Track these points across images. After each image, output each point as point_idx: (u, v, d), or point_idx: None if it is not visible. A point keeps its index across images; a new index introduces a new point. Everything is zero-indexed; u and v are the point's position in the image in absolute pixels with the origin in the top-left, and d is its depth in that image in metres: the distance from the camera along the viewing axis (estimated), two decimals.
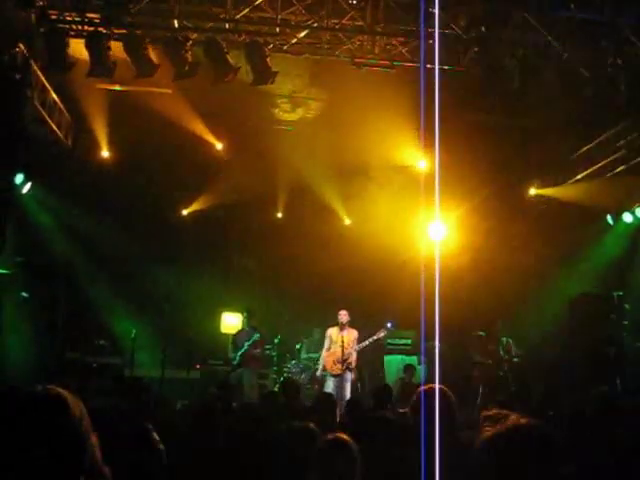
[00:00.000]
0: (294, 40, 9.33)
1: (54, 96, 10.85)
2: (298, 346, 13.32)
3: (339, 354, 11.13)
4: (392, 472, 4.07)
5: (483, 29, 9.02)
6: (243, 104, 11.26)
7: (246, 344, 11.68)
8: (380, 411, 5.54)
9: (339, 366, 11.14)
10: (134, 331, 11.74)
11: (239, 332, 12.17)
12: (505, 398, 8.59)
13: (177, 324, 12.16)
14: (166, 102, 10.78)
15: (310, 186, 13.49)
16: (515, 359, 11.98)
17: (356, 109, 10.59)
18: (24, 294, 11.86)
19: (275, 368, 12.82)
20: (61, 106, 11.28)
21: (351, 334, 11.37)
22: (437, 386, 3.83)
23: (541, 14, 8.90)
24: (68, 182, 12.47)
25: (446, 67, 9.15)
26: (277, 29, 9.26)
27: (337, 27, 9.27)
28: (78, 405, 1.91)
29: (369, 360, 12.67)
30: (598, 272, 12.72)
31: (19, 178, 11.24)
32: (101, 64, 8.89)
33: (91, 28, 9.04)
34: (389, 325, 11.89)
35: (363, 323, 11.86)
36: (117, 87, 10.50)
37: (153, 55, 8.97)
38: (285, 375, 12.48)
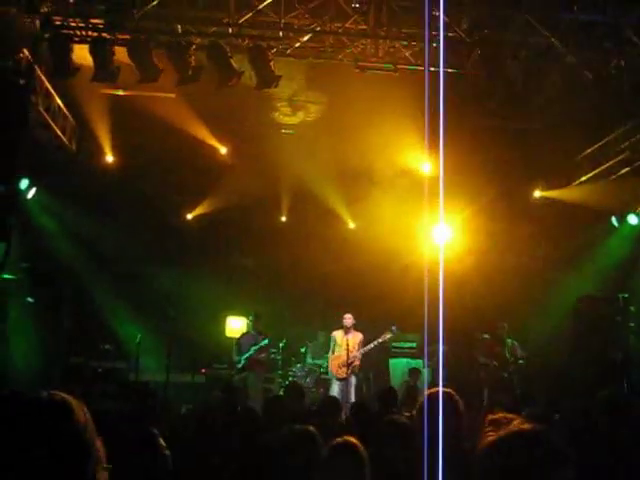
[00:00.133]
0: (297, 44, 9.33)
1: (58, 101, 10.88)
2: (303, 350, 13.31)
3: (344, 358, 11.12)
4: (397, 475, 4.06)
5: (486, 32, 9.02)
6: (245, 108, 11.28)
7: (253, 348, 11.68)
8: (390, 415, 5.52)
9: (344, 369, 11.13)
10: (139, 335, 11.75)
11: (244, 335, 12.18)
12: (509, 400, 8.57)
13: (182, 328, 12.15)
14: (169, 107, 10.81)
15: (314, 189, 13.49)
16: (520, 361, 11.95)
17: (358, 112, 10.59)
18: (29, 299, 11.88)
19: (280, 372, 12.81)
20: (65, 111, 11.32)
21: (356, 337, 11.37)
22: (441, 389, 3.82)
23: (543, 16, 8.89)
24: (73, 187, 12.50)
25: (450, 70, 9.15)
26: (280, 33, 9.27)
27: (340, 31, 9.28)
28: (83, 410, 1.91)
29: (374, 363, 12.65)
30: (603, 274, 12.69)
31: (24, 183, 11.27)
32: (105, 69, 8.92)
33: (95, 34, 9.07)
34: (394, 328, 11.88)
35: (368, 326, 11.85)
36: (121, 92, 10.53)
37: (157, 60, 8.99)
38: (290, 379, 12.47)
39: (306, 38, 9.34)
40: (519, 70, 8.88)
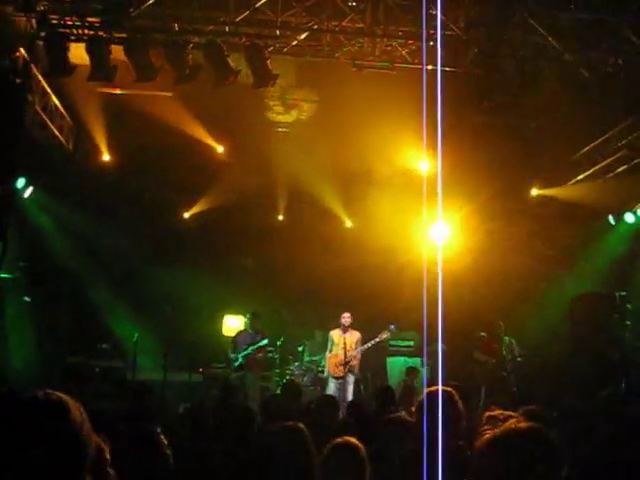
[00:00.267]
0: (294, 42, 9.33)
1: (55, 101, 10.86)
2: (300, 348, 13.30)
3: (341, 357, 11.14)
4: (396, 473, 4.06)
5: (483, 30, 9.02)
6: (242, 107, 11.27)
7: (251, 347, 11.66)
8: (389, 414, 5.51)
9: (341, 368, 11.15)
10: (136, 334, 11.73)
11: (240, 333, 12.14)
12: (506, 399, 8.57)
13: (179, 327, 12.14)
14: (166, 105, 10.80)
15: (311, 188, 13.48)
16: (518, 359, 11.95)
17: (353, 110, 10.59)
18: (26, 298, 11.87)
19: (277, 370, 12.80)
20: (62, 110, 11.30)
21: (353, 336, 11.38)
22: (440, 388, 3.82)
23: (541, 15, 8.89)
24: (70, 186, 12.48)
25: (447, 68, 9.15)
26: (277, 32, 9.26)
27: (337, 29, 9.28)
28: (79, 410, 1.91)
29: (372, 362, 12.65)
30: (600, 272, 12.71)
31: (20, 182, 11.25)
32: (102, 68, 8.90)
33: (91, 32, 9.05)
34: (392, 327, 11.87)
35: (366, 325, 11.85)
36: (118, 91, 10.51)
37: (153, 59, 8.97)
38: (288, 377, 12.46)
39: (303, 36, 9.33)
40: (516, 69, 8.88)
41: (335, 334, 11.49)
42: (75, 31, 9.10)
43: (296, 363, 13.04)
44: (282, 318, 13.56)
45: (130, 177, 13.11)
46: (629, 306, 11.75)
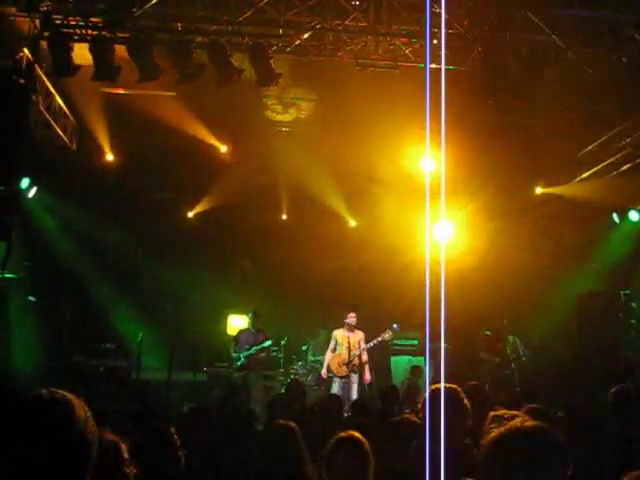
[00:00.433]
0: (297, 42, 9.32)
1: (59, 100, 10.88)
2: (304, 348, 13.31)
3: (345, 356, 11.15)
4: (400, 470, 4.06)
5: (486, 28, 9.00)
6: (245, 106, 11.27)
7: (254, 348, 11.64)
8: (394, 415, 5.50)
9: (344, 368, 11.16)
10: (140, 334, 11.75)
11: (242, 332, 12.12)
12: (509, 398, 8.55)
13: (183, 326, 12.16)
14: (168, 105, 10.79)
15: (314, 188, 13.48)
16: (523, 358, 11.94)
17: (354, 109, 10.58)
18: (31, 298, 11.89)
19: (282, 370, 12.81)
20: (66, 110, 11.31)
21: (357, 336, 11.39)
22: (442, 386, 3.81)
23: (544, 13, 8.87)
24: (74, 186, 12.50)
25: (450, 67, 9.14)
26: (280, 31, 9.26)
27: (340, 28, 9.27)
28: (84, 409, 1.91)
29: (376, 361, 12.65)
30: (605, 271, 12.68)
31: (25, 183, 11.26)
32: (105, 68, 8.90)
33: (95, 32, 9.06)
34: (395, 326, 11.87)
35: (370, 324, 11.85)
36: (121, 91, 10.52)
37: (157, 59, 8.98)
38: (292, 377, 12.47)
39: (306, 36, 9.33)
40: (520, 67, 8.86)
41: (339, 334, 11.49)
42: (78, 31, 9.10)
43: (300, 363, 13.05)
44: (286, 317, 13.57)
45: (133, 177, 13.13)
46: (634, 304, 11.73)
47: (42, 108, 10.29)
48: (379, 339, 11.41)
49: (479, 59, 9.11)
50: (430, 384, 4.28)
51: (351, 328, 11.41)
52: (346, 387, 11.02)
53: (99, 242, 13.30)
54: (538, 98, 9.83)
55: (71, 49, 8.83)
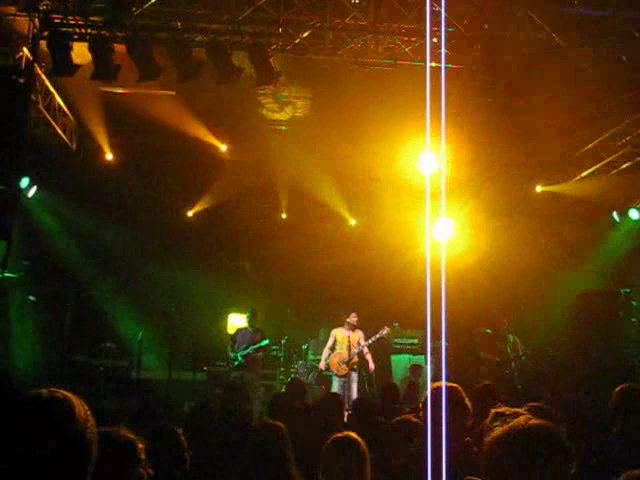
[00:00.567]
0: (297, 40, 9.32)
1: (58, 100, 10.87)
2: (304, 346, 13.31)
3: (345, 355, 11.17)
4: (401, 469, 4.06)
5: (486, 27, 9.00)
6: (242, 106, 11.26)
7: (252, 347, 11.61)
8: (395, 416, 5.49)
9: (344, 367, 11.17)
10: (140, 333, 11.75)
11: (239, 331, 12.05)
12: (509, 397, 8.56)
13: (183, 326, 12.16)
14: (168, 104, 10.79)
15: (314, 186, 13.48)
16: (523, 357, 11.94)
17: (351, 107, 10.57)
18: (31, 297, 11.89)
19: (282, 369, 12.81)
20: (65, 110, 11.31)
21: (356, 335, 11.40)
22: (444, 384, 3.81)
23: (544, 11, 8.87)
24: (73, 185, 12.49)
25: (450, 65, 9.13)
26: (280, 29, 9.25)
27: (340, 27, 9.26)
28: (84, 408, 1.90)
29: (376, 359, 12.66)
30: (605, 269, 12.68)
31: (24, 182, 11.25)
32: (105, 67, 8.89)
33: (94, 31, 9.05)
34: (395, 325, 11.88)
35: (370, 323, 11.85)
36: (120, 90, 10.51)
37: (156, 58, 8.97)
38: (292, 376, 12.47)
39: (306, 34, 9.32)
40: (520, 65, 8.86)
41: (338, 332, 11.49)
42: (78, 30, 9.09)
43: (300, 362, 13.05)
44: (286, 316, 13.57)
45: (133, 176, 13.12)
46: (634, 303, 11.73)
47: (41, 107, 10.29)
48: (377, 336, 11.42)
49: (479, 58, 9.10)
50: (431, 382, 4.27)
51: (351, 327, 11.42)
52: (346, 386, 11.03)
53: (99, 241, 13.30)
54: (538, 97, 9.83)
55: (70, 48, 8.82)
